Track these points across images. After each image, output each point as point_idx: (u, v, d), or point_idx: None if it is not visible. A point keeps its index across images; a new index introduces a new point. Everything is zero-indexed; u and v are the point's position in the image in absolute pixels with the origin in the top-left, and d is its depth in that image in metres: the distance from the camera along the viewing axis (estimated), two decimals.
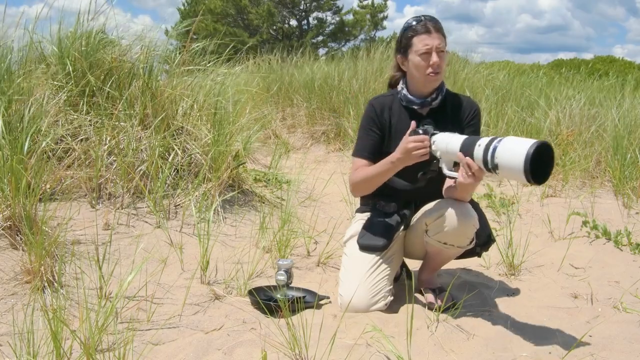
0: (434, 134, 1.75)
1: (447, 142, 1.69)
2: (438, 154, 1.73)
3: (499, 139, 1.54)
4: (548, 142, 1.47)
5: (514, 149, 1.46)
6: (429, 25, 1.86)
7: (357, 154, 1.99)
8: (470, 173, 1.60)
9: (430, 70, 1.86)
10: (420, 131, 1.77)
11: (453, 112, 1.95)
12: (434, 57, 1.84)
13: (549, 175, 1.48)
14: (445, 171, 1.72)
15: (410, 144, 1.74)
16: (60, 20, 3.07)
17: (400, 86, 1.97)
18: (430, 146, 1.74)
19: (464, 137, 1.66)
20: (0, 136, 2.29)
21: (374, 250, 1.94)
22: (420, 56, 1.86)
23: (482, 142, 1.56)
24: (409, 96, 1.93)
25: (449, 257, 1.98)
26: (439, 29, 1.87)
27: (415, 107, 1.93)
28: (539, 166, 1.44)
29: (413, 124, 1.80)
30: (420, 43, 1.85)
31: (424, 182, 1.88)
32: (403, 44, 1.92)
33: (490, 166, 1.53)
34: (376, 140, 1.96)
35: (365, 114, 2.00)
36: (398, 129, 1.93)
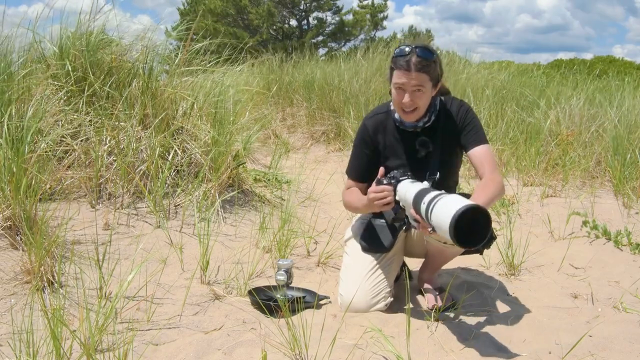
0: (399, 180, 1.71)
1: (405, 193, 1.64)
2: (401, 204, 1.70)
3: (437, 199, 1.45)
4: (478, 207, 1.35)
5: (444, 211, 1.37)
6: (411, 62, 1.75)
7: (348, 173, 2.03)
8: (425, 231, 1.53)
9: (402, 107, 1.82)
10: (385, 181, 1.74)
11: (446, 124, 1.90)
12: (405, 98, 1.78)
13: (485, 236, 1.37)
14: (411, 221, 1.64)
15: (371, 195, 1.75)
16: (62, 21, 3.08)
17: (392, 105, 1.93)
18: (395, 194, 1.71)
19: (418, 189, 1.58)
20: (0, 136, 2.29)
21: (377, 252, 1.95)
22: (396, 90, 1.81)
23: (427, 198, 1.48)
24: (401, 119, 1.89)
25: (450, 256, 1.98)
26: (422, 68, 1.75)
27: (409, 130, 1.91)
28: (472, 228, 1.35)
29: (381, 171, 1.79)
30: (396, 77, 1.79)
31: (399, 226, 1.89)
32: (389, 71, 1.86)
33: (430, 226, 1.47)
34: (366, 161, 1.96)
35: (359, 134, 2.00)
36: (391, 149, 1.93)
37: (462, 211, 1.32)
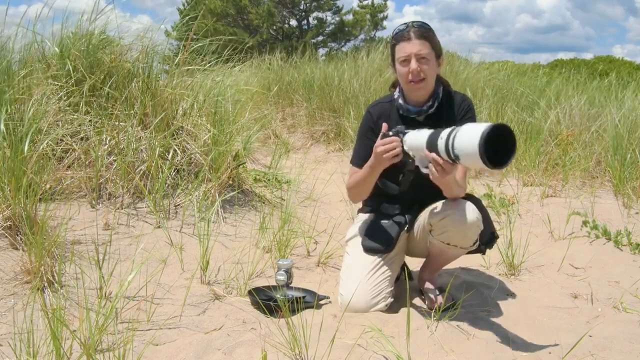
0: (405, 133, 1.73)
1: (415, 139, 1.67)
2: (411, 153, 1.72)
3: (458, 128, 1.49)
4: (504, 124, 1.41)
5: (470, 134, 1.41)
6: (411, 32, 1.82)
7: (353, 162, 2.02)
8: (438, 167, 1.58)
9: (410, 77, 1.84)
10: (391, 133, 1.76)
11: (448, 113, 1.94)
12: (413, 64, 1.82)
13: (511, 158, 1.42)
14: (422, 169, 1.68)
15: (379, 148, 1.75)
16: (63, 21, 3.08)
17: (396, 93, 1.97)
18: (402, 146, 1.73)
19: (430, 132, 1.62)
20: (0, 136, 2.29)
21: (378, 253, 1.95)
22: (401, 64, 1.86)
23: (444, 134, 1.53)
24: (405, 105, 1.93)
25: (452, 257, 1.98)
26: (422, 35, 1.82)
27: (412, 116, 1.93)
28: (498, 149, 1.39)
29: (384, 126, 1.79)
30: (400, 51, 1.85)
31: (407, 184, 1.88)
32: (391, 53, 1.93)
33: (453, 157, 1.50)
34: (372, 148, 1.95)
35: (363, 121, 2.02)
36: None
37: (490, 127, 1.36)
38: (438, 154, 1.55)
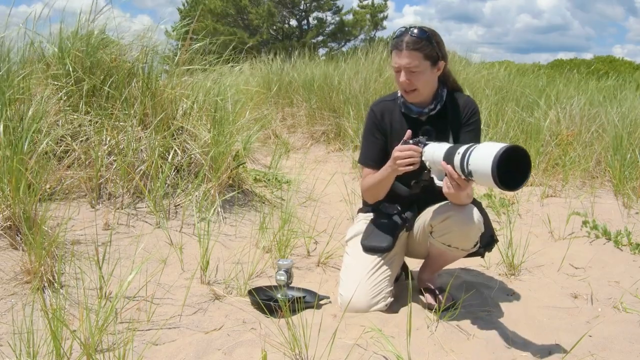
0: (426, 144, 1.74)
1: (434, 152, 1.67)
2: (428, 164, 1.73)
3: (476, 145, 1.50)
4: (520, 147, 1.41)
5: (484, 153, 1.42)
6: (403, 42, 1.81)
7: (363, 162, 2.01)
8: (453, 182, 1.58)
9: (401, 87, 1.87)
10: (411, 141, 1.76)
11: (451, 115, 1.93)
12: (402, 77, 1.83)
13: (524, 180, 1.42)
14: (436, 181, 1.70)
15: (396, 153, 1.76)
16: (62, 20, 3.08)
17: (399, 91, 1.97)
18: (421, 156, 1.73)
19: (449, 145, 1.64)
20: (0, 136, 2.29)
21: (378, 252, 1.95)
22: (395, 72, 1.87)
23: (462, 149, 1.54)
24: (407, 105, 1.94)
25: (452, 259, 1.98)
26: (414, 47, 1.80)
27: (414, 116, 1.94)
28: (511, 171, 1.39)
29: (408, 133, 1.80)
30: (393, 59, 1.86)
31: (418, 189, 1.89)
32: (389, 55, 1.94)
33: (466, 173, 1.51)
34: (380, 145, 1.97)
35: (367, 120, 2.02)
36: (396, 134, 1.93)
37: (505, 149, 1.37)
38: (453, 168, 1.56)
